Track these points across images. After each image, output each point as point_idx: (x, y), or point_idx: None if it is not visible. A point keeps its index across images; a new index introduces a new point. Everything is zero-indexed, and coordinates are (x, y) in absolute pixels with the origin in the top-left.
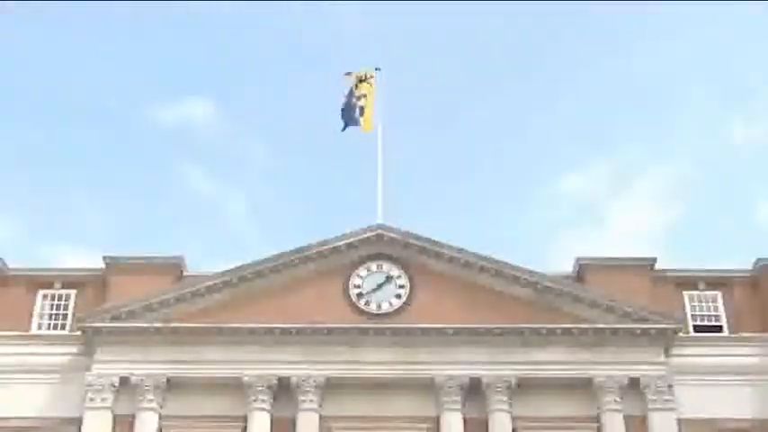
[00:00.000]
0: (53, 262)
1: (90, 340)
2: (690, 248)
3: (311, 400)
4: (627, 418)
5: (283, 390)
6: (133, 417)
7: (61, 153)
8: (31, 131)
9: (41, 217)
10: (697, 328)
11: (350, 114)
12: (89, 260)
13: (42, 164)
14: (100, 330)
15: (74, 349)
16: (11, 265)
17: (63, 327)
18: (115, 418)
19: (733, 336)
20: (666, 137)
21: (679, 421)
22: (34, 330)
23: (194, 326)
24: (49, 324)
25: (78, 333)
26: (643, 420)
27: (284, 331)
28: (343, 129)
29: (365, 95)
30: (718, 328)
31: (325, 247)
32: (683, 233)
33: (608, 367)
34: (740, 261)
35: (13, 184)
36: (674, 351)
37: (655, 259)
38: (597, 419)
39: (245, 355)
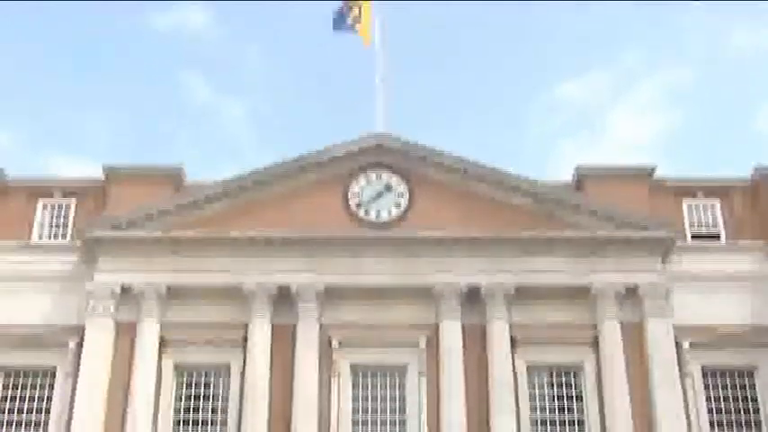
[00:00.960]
0: (52, 172)
1: (91, 249)
2: (689, 157)
3: (311, 309)
4: (624, 326)
5: (283, 298)
6: (135, 324)
7: (58, 63)
8: (28, 42)
9: (39, 127)
10: (695, 237)
11: (342, 19)
12: (88, 170)
13: (39, 74)
14: (100, 240)
15: (75, 258)
16: (10, 175)
17: (64, 236)
18: (117, 325)
19: (731, 244)
20: (667, 44)
21: (676, 328)
22: (35, 240)
23: (194, 235)
24: (50, 233)
25: (79, 242)
26: (640, 327)
27: (284, 240)
28: (334, 29)
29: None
30: (716, 237)
31: (324, 157)
32: (683, 141)
33: (606, 275)
34: (739, 169)
35: (10, 95)
36: (672, 259)
37: (654, 168)
38: (594, 327)
39: (245, 264)
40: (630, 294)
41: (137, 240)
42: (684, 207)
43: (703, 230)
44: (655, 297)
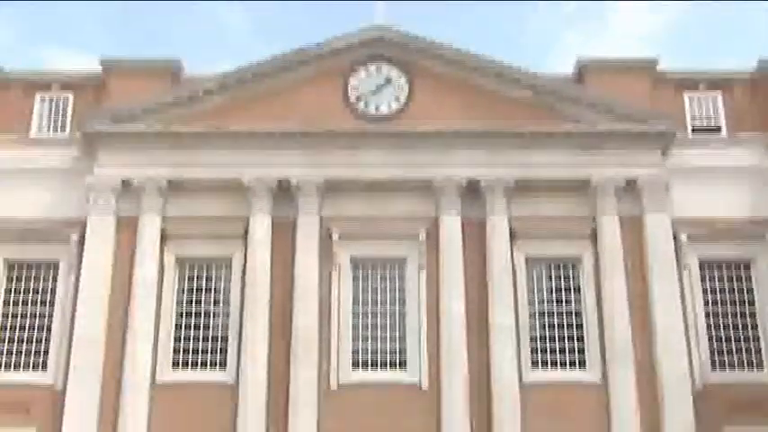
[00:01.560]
0: (48, 65)
1: (90, 143)
2: (692, 50)
3: (311, 202)
4: (623, 219)
5: (283, 192)
6: (136, 218)
7: None
8: None
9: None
10: (696, 130)
11: None
12: (84, 64)
13: None
14: (100, 134)
15: (74, 153)
16: (6, 68)
17: (62, 130)
18: (118, 219)
19: (731, 136)
20: None
21: (674, 221)
22: (34, 134)
23: (194, 129)
24: (49, 127)
25: (78, 136)
26: (639, 221)
27: (283, 134)
28: None
29: None
30: (717, 130)
31: (324, 50)
32: (687, 34)
33: (606, 168)
34: (742, 61)
35: None
36: (672, 152)
37: (656, 60)
38: (593, 220)
39: (245, 158)
40: (630, 188)
41: (136, 134)
42: (686, 100)
43: (704, 123)
44: (654, 190)
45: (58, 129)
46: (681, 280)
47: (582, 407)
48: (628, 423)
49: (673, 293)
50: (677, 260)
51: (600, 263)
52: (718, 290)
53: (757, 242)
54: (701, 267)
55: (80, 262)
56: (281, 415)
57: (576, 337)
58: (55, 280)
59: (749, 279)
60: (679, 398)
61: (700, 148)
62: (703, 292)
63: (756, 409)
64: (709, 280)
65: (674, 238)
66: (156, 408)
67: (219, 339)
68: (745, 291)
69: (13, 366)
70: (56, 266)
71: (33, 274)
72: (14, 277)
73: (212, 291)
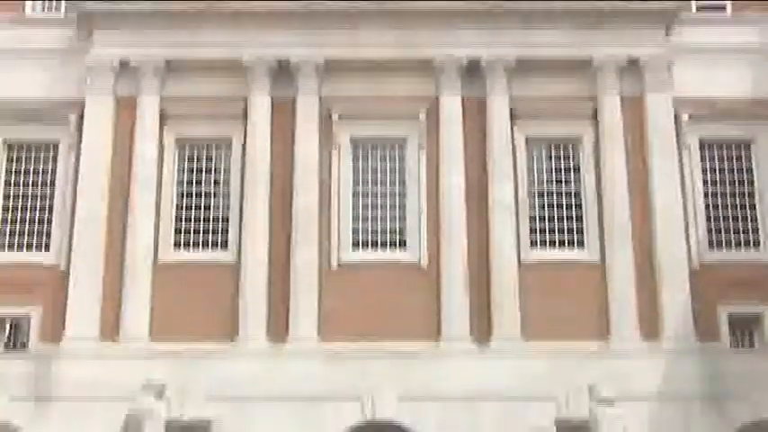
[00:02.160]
0: None
1: (86, 23)
2: None
3: (311, 82)
4: (624, 99)
5: (283, 72)
6: (135, 99)
7: None
8: None
9: None
10: (700, 8)
11: None
12: None
13: None
14: (95, 13)
15: (70, 33)
16: None
17: (57, 9)
18: (117, 100)
19: (736, 15)
20: None
21: (676, 101)
22: (28, 13)
23: (193, 7)
24: (43, 6)
25: (74, 15)
26: (640, 100)
27: (283, 13)
28: None
29: None
30: (722, 8)
31: None
32: None
33: (608, 47)
34: None
35: None
36: (676, 31)
37: None
38: (594, 100)
39: (244, 37)
40: (632, 67)
41: (133, 13)
42: None
43: (708, 1)
44: (656, 70)
45: (53, 8)
46: (681, 160)
47: (580, 286)
48: (625, 302)
49: (672, 173)
50: (678, 140)
51: (600, 143)
52: (717, 170)
53: (758, 122)
54: (702, 147)
55: (79, 143)
56: (282, 294)
57: (575, 217)
58: (55, 161)
59: (749, 159)
60: (676, 276)
61: (704, 26)
62: (703, 171)
63: (752, 287)
64: (709, 160)
65: (675, 117)
66: (158, 287)
67: (220, 220)
68: (744, 170)
69: (16, 247)
70: (55, 147)
71: (33, 155)
72: (14, 158)
73: (212, 171)
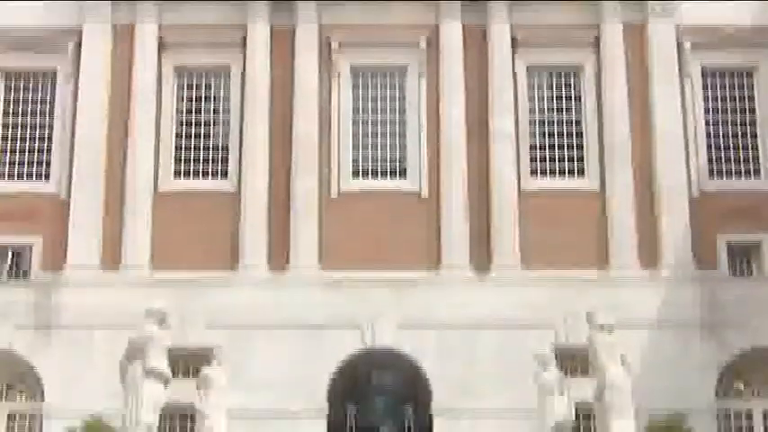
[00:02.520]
0: None
1: None
2: None
3: (310, 10)
4: (626, 27)
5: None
6: (132, 27)
7: None
8: None
9: None
10: None
11: None
12: None
13: None
14: None
15: None
16: None
17: None
18: (115, 28)
19: None
20: None
21: (678, 29)
22: None
23: None
24: None
25: None
26: (642, 29)
27: None
28: None
29: None
30: None
31: None
32: None
33: None
34: None
35: None
36: None
37: None
38: (596, 28)
39: None
40: None
41: None
42: None
43: None
44: None
45: None
46: (682, 88)
47: (580, 214)
48: (625, 230)
49: (674, 101)
50: (680, 68)
51: (601, 71)
52: (719, 98)
53: (761, 50)
54: (704, 75)
55: (77, 71)
56: (282, 223)
57: (575, 146)
58: (53, 89)
59: (751, 87)
60: (676, 205)
61: None
62: (704, 100)
63: (751, 216)
64: (711, 88)
65: (677, 45)
66: (158, 216)
67: (220, 148)
68: (746, 99)
69: (16, 176)
70: (53, 76)
71: (31, 84)
72: (12, 87)
73: (211, 99)
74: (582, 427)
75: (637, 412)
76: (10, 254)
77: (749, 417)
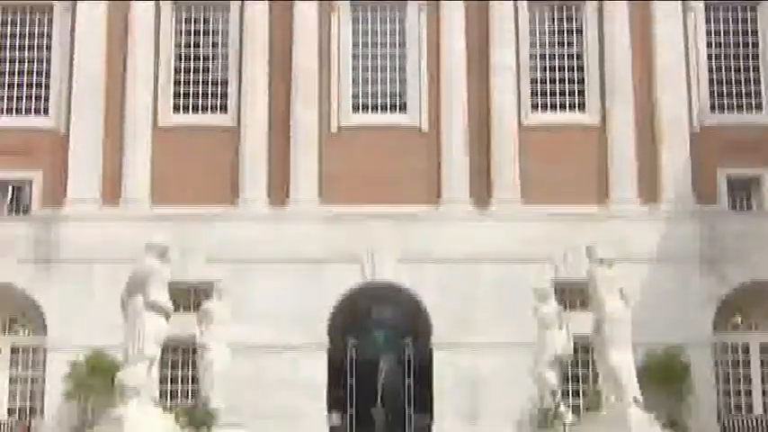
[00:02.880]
0: None
1: None
2: None
3: None
4: None
5: None
6: None
7: None
8: None
9: None
10: None
11: None
12: None
13: None
14: None
15: None
16: None
17: None
18: None
19: None
20: None
21: None
22: None
23: None
24: None
25: None
26: None
27: None
28: None
29: None
30: None
31: None
32: None
33: None
34: None
35: None
36: None
37: None
38: None
39: None
40: None
41: None
42: None
43: None
44: None
45: None
46: (685, 22)
47: (580, 149)
48: (625, 164)
49: (676, 35)
50: (682, 1)
51: (603, 4)
52: (722, 31)
53: None
54: (706, 9)
55: (75, 4)
56: (282, 157)
57: (576, 80)
58: (50, 24)
59: (754, 21)
60: (677, 138)
61: None
62: (707, 34)
63: (752, 150)
64: (714, 22)
65: None
66: (157, 151)
67: (219, 83)
68: (749, 32)
69: (14, 111)
70: (50, 10)
71: (29, 18)
72: (9, 21)
73: (210, 34)
74: (580, 360)
75: (635, 346)
76: (10, 189)
77: (746, 350)
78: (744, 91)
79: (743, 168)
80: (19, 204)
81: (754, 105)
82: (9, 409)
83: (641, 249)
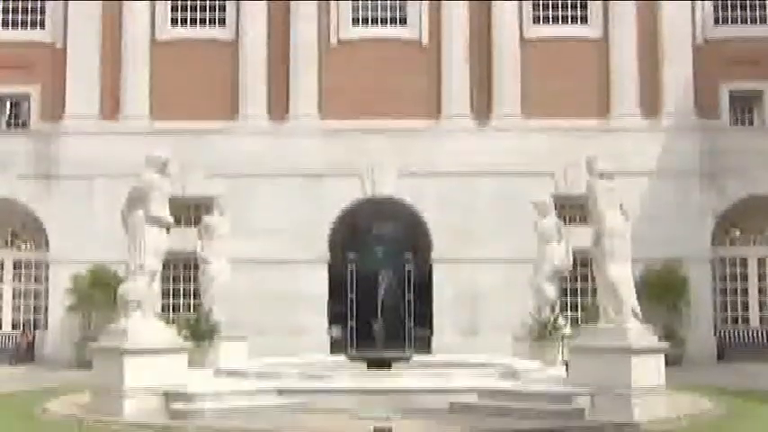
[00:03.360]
0: None
1: None
2: None
3: None
4: None
5: None
6: None
7: None
8: None
9: None
10: None
11: None
12: None
13: None
14: None
15: None
16: None
17: None
18: None
19: None
20: None
21: None
22: None
23: None
24: None
25: None
26: None
27: None
28: None
29: None
30: None
31: None
32: None
33: None
34: None
35: None
36: None
37: None
38: None
39: None
40: None
41: None
42: None
43: None
44: None
45: None
46: None
47: (582, 63)
48: (627, 78)
49: None
50: None
51: None
52: None
53: None
54: None
55: None
56: (281, 72)
57: None
58: None
59: None
60: (679, 52)
61: None
62: None
63: (755, 64)
64: None
65: None
66: (156, 65)
67: None
68: None
69: (10, 24)
70: None
71: None
72: None
73: None
74: (579, 274)
75: (634, 259)
76: (8, 103)
77: (744, 264)
78: (749, 3)
79: (745, 83)
80: (18, 119)
81: (758, 18)
82: (13, 323)
83: (642, 163)
